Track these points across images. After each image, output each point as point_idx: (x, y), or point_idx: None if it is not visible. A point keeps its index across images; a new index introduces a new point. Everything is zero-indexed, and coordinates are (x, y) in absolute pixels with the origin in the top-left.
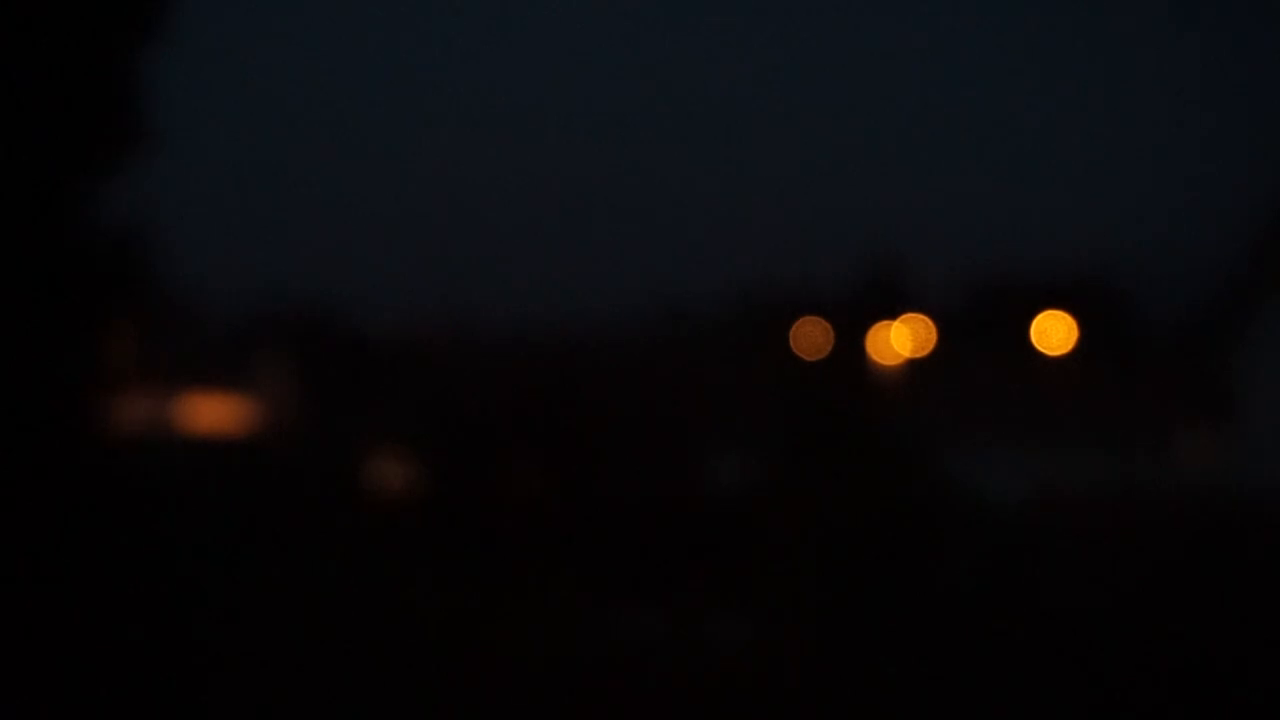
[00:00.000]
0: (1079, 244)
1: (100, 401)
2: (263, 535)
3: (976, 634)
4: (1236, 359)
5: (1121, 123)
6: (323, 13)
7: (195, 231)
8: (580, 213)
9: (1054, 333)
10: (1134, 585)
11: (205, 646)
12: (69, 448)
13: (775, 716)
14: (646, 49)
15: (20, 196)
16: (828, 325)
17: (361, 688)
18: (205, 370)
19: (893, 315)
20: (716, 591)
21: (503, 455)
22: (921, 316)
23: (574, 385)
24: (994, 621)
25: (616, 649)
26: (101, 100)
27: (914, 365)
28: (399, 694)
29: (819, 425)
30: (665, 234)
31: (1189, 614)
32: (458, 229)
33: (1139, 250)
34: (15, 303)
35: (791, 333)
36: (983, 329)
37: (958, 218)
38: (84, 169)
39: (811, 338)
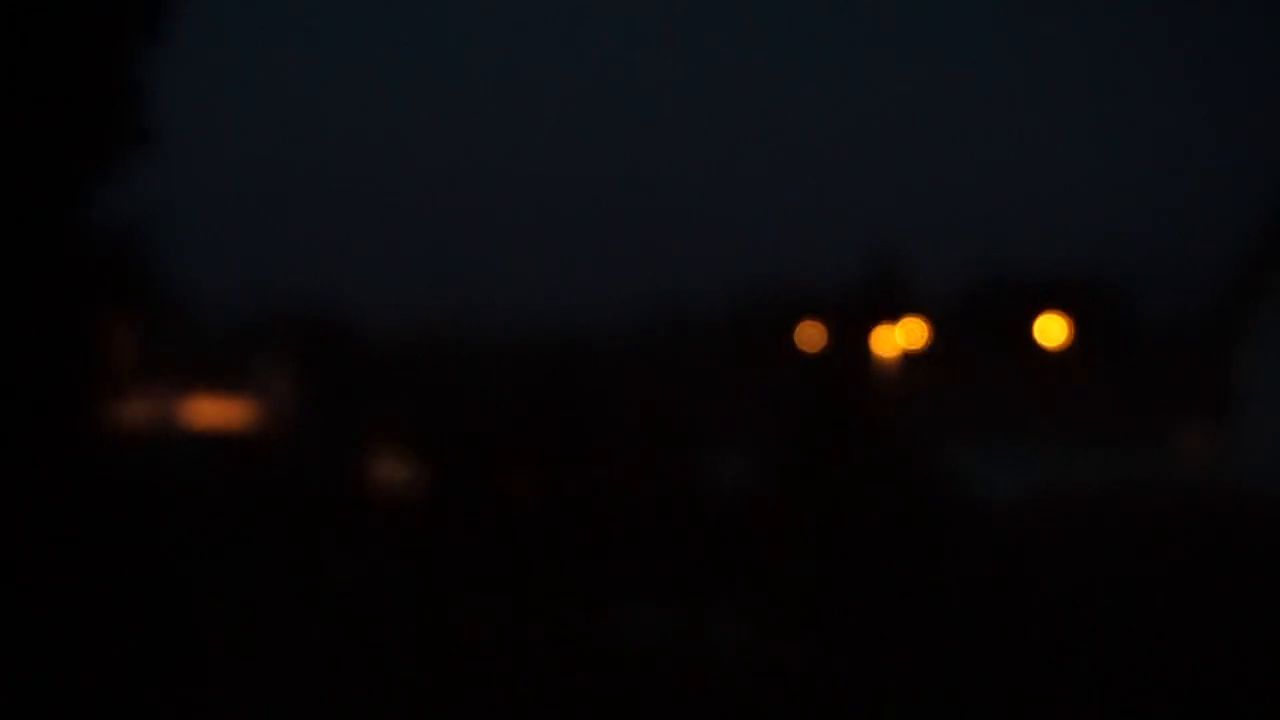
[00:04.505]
0: (1079, 244)
1: (101, 401)
2: (263, 533)
3: (973, 629)
4: (1235, 358)
5: (1121, 123)
6: (324, 14)
7: (197, 232)
8: (580, 213)
9: (1053, 331)
10: (1132, 580)
11: (206, 645)
12: (70, 447)
13: (775, 716)
14: (647, 50)
15: (22, 197)
16: (828, 325)
17: (362, 685)
18: (206, 370)
19: (894, 315)
20: (716, 591)
21: (503, 455)
22: (921, 316)
23: (574, 385)
24: (991, 616)
25: (617, 649)
26: (103, 101)
27: (914, 363)
28: (399, 692)
29: (819, 424)
30: (665, 234)
31: (1185, 609)
32: (458, 229)
33: (1139, 250)
34: (17, 302)
35: (794, 332)
36: (982, 327)
37: (958, 218)
38: (86, 170)
39: (812, 337)
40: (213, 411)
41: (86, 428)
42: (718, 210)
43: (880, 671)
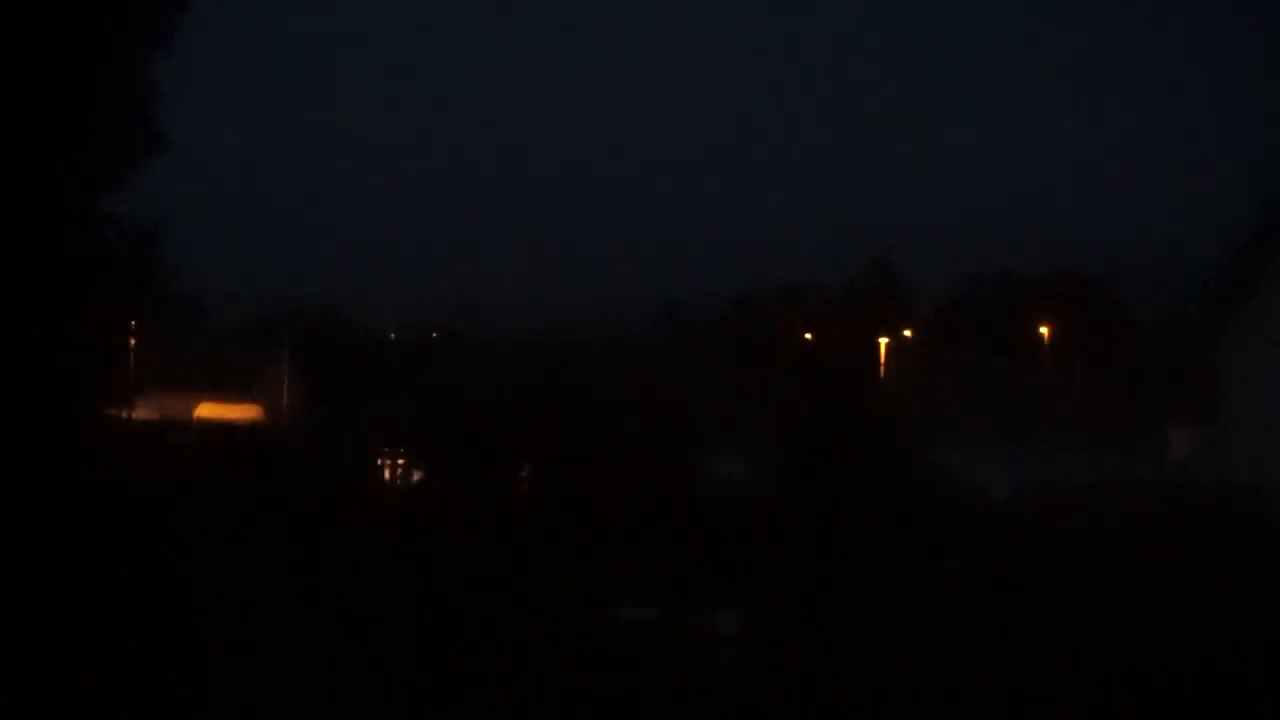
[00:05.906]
0: (1078, 243)
1: (109, 400)
2: (263, 533)
3: (972, 628)
4: (1226, 357)
5: (1120, 123)
6: (326, 14)
7: (205, 233)
8: (581, 213)
9: (1049, 331)
10: (1125, 577)
11: (209, 644)
12: (75, 447)
13: (775, 716)
14: (648, 51)
15: (34, 198)
16: (828, 325)
17: (362, 684)
18: (212, 368)
19: (893, 315)
20: (716, 591)
21: (503, 455)
22: (918, 316)
23: (574, 385)
24: (990, 615)
25: (617, 649)
26: (115, 104)
27: (909, 363)
28: (399, 692)
29: (819, 424)
30: (665, 234)
31: (1177, 608)
32: (459, 229)
33: (1133, 249)
34: (27, 302)
35: (794, 332)
36: (981, 327)
37: (956, 218)
38: (98, 172)
39: (812, 337)
40: (218, 410)
41: (93, 427)
42: (718, 210)
43: (880, 671)
